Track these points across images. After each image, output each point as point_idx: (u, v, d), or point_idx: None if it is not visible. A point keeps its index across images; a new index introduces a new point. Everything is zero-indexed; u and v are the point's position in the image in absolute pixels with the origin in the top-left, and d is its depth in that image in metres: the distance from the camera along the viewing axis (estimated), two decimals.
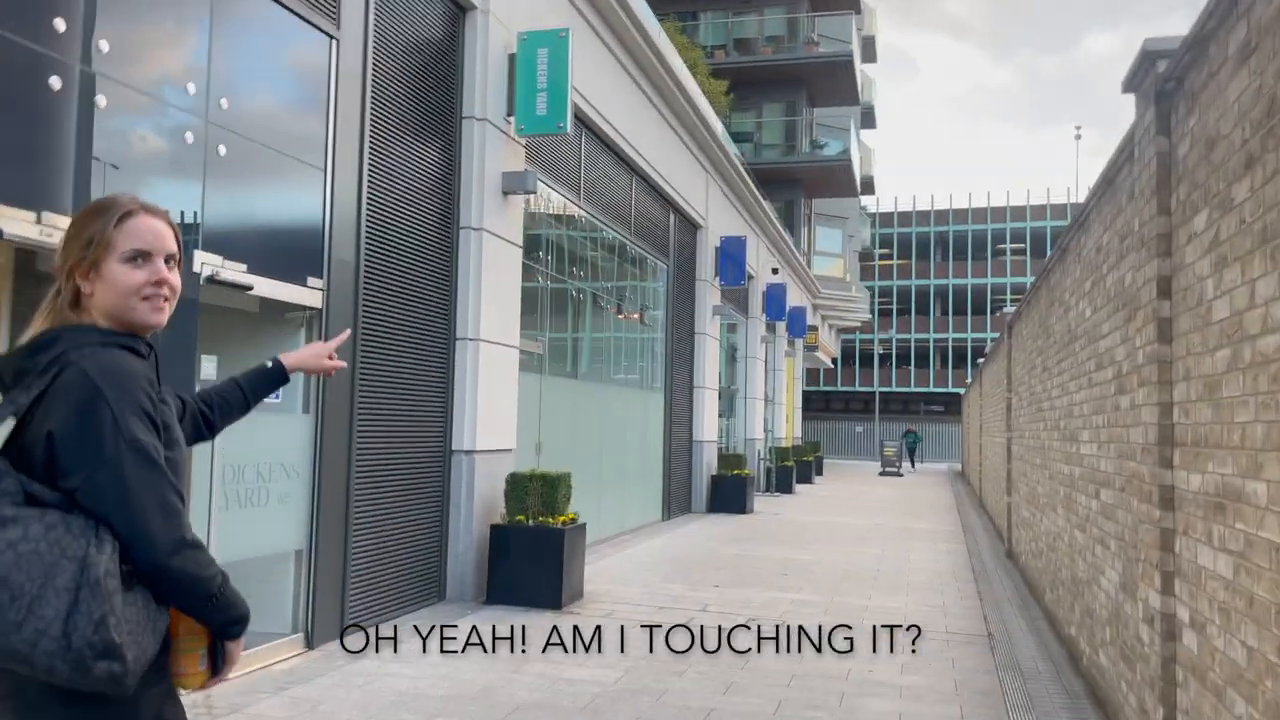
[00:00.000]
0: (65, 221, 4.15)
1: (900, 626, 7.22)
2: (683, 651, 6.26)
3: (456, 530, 7.65)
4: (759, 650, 6.39)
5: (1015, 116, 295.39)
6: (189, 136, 4.94)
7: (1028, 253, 55.82)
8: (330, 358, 2.37)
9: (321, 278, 6.03)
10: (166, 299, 1.82)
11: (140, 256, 1.78)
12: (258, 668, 5.41)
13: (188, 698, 1.92)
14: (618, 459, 12.45)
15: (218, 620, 1.77)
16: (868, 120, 38.55)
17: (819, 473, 28.07)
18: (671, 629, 6.90)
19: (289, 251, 5.84)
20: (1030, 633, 7.22)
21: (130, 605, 1.61)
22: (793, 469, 21.72)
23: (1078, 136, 61.47)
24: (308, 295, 5.89)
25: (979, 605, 8.32)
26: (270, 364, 2.28)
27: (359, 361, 6.43)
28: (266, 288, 5.49)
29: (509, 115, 8.24)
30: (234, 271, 5.21)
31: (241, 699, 4.89)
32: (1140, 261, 3.99)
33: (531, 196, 9.42)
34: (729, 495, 16.28)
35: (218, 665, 1.81)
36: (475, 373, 7.76)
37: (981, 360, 20.38)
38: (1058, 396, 6.92)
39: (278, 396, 5.60)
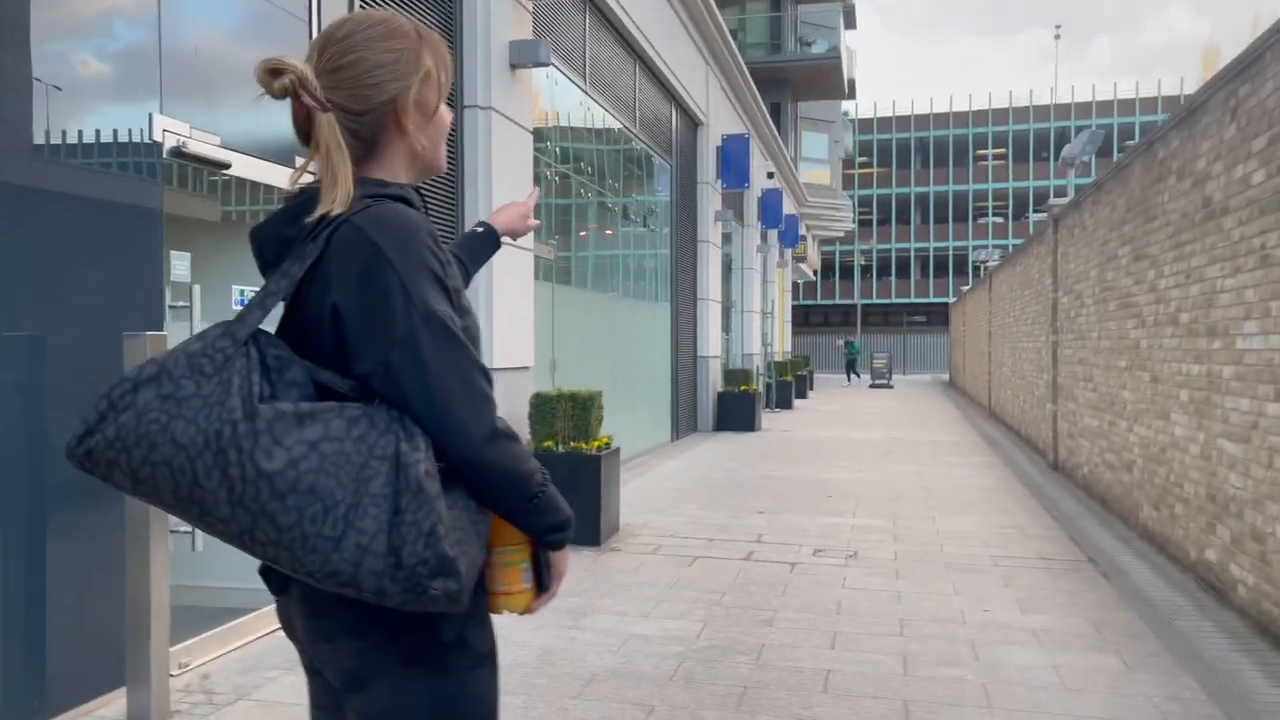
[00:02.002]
0: None
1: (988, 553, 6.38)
2: (758, 593, 5.35)
3: None
4: (844, 587, 5.50)
5: (987, 21, 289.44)
6: None
7: (1009, 157, 54.61)
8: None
9: None
10: None
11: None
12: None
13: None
14: (629, 377, 11.45)
15: (538, 525, 1.46)
16: (848, 20, 36.91)
17: (811, 387, 27.35)
18: (736, 566, 5.99)
19: (270, 124, 4.67)
20: (1134, 556, 6.40)
21: (453, 508, 1.34)
22: (792, 384, 20.90)
23: (1057, 36, 59.55)
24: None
25: (1055, 525, 7.49)
26: (481, 229, 1.99)
27: None
28: (247, 167, 4.34)
29: None
30: (205, 144, 4.05)
31: None
32: None
33: (537, 79, 8.21)
34: (736, 413, 15.39)
35: (543, 580, 1.53)
36: (490, 279, 6.66)
37: (991, 263, 19.48)
38: (1178, 286, 5.96)
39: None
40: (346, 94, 1.45)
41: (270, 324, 1.43)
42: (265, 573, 1.48)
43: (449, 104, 1.55)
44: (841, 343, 38.29)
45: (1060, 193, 48.89)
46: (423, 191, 1.57)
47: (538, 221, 2.16)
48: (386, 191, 1.45)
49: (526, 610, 1.54)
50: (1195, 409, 5.61)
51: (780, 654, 4.32)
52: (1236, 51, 4.58)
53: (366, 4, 5.50)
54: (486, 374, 1.41)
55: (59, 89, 3.45)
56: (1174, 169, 6.07)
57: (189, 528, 3.68)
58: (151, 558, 3.55)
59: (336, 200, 1.40)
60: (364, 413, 1.32)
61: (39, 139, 3.40)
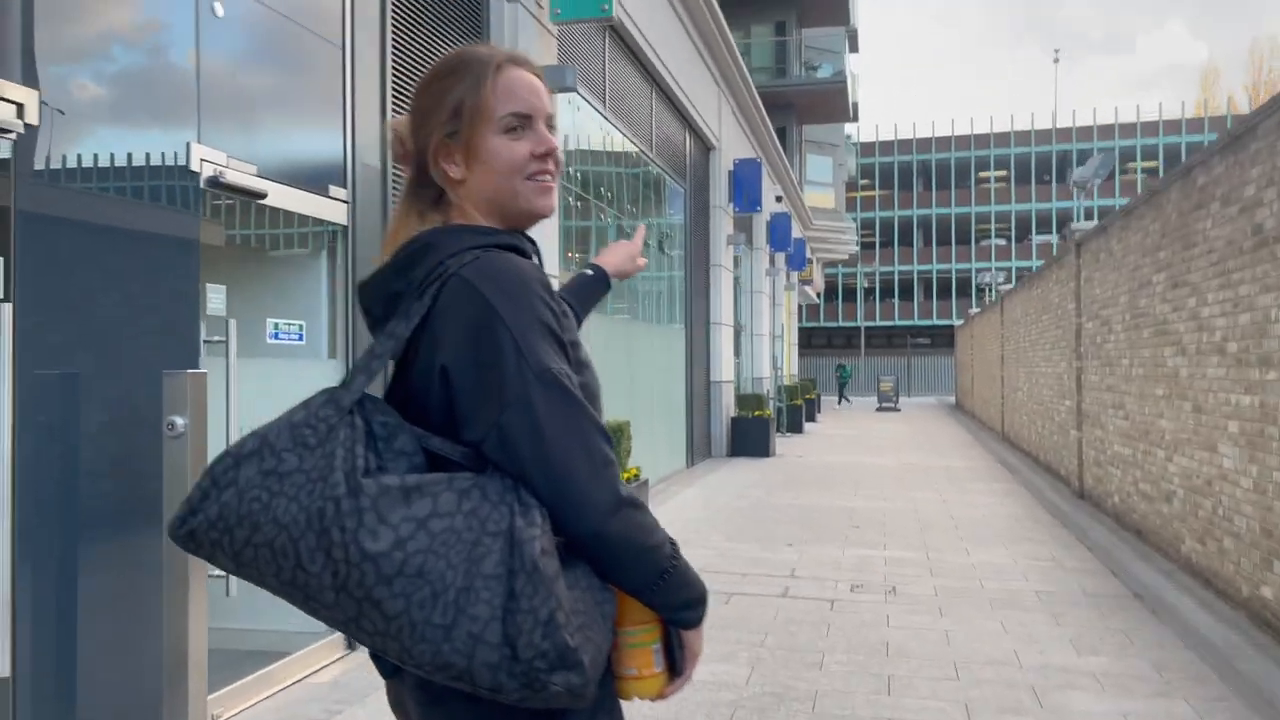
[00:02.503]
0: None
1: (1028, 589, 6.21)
2: (800, 633, 5.19)
3: None
4: (889, 626, 5.33)
5: (981, 42, 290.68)
6: None
7: (1011, 179, 54.70)
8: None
9: (346, 187, 4.76)
10: (553, 174, 1.42)
11: (521, 123, 1.38)
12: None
13: None
14: (647, 403, 11.31)
15: (669, 603, 1.31)
16: (852, 44, 37.04)
17: (819, 410, 27.21)
18: (774, 603, 5.82)
19: (306, 152, 4.55)
20: (1179, 591, 6.22)
21: (574, 588, 1.20)
22: (802, 408, 20.76)
23: (1056, 60, 59.86)
24: (331, 208, 4.60)
25: (1091, 557, 7.33)
26: (590, 271, 1.91)
27: None
28: (282, 197, 4.21)
29: None
30: (242, 173, 3.92)
31: None
32: None
33: (559, 104, 8.11)
34: (750, 438, 15.24)
35: (676, 663, 1.38)
36: None
37: (1002, 286, 19.40)
38: (1224, 315, 5.83)
39: (299, 340, 4.39)
40: (410, 144, 1.44)
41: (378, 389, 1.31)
42: (375, 656, 1.36)
43: (512, 133, 1.38)
44: (835, 367, 38.49)
45: (1063, 215, 48.96)
46: (532, 239, 1.46)
47: (646, 260, 2.05)
48: (496, 240, 1.35)
49: (659, 696, 1.40)
50: (1247, 441, 5.47)
51: (835, 701, 4.15)
52: (1236, 73, 4.47)
53: (397, 26, 5.40)
54: (607, 435, 1.29)
55: (61, 112, 3.30)
56: (1217, 195, 5.95)
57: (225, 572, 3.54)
58: (190, 605, 3.39)
59: (431, 250, 1.34)
60: (475, 483, 1.21)
61: (72, 165, 3.27)
